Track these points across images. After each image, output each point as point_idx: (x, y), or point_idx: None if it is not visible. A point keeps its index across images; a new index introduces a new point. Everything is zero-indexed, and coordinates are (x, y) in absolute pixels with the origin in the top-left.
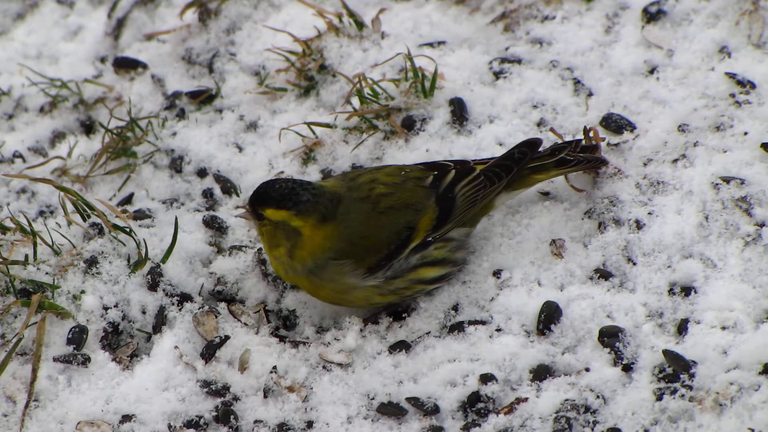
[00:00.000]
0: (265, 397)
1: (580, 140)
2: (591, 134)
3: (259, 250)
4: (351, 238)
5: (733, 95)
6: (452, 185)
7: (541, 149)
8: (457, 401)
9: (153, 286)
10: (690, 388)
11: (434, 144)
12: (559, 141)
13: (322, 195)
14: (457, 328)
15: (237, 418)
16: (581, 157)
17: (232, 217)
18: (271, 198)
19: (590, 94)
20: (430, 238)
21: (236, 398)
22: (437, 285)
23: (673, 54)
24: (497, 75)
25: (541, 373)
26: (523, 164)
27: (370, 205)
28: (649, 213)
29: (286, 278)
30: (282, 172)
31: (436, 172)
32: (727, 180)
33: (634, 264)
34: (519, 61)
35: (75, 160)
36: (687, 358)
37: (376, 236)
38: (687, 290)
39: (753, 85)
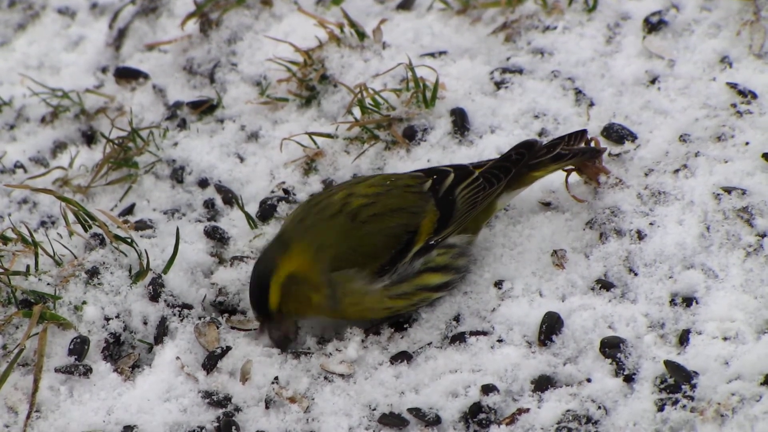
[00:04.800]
0: (267, 407)
1: (573, 133)
2: (593, 144)
3: None
4: (339, 249)
5: (734, 105)
6: (451, 188)
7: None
8: (458, 412)
9: (154, 297)
10: (691, 398)
11: (436, 154)
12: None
13: (267, 248)
14: (459, 338)
15: (239, 428)
16: (576, 149)
17: (233, 227)
18: (257, 295)
19: (591, 104)
20: (432, 242)
21: (238, 409)
22: (441, 293)
23: (675, 64)
24: (498, 85)
25: (543, 384)
26: (521, 165)
27: (344, 219)
28: (651, 223)
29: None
30: (283, 183)
31: (435, 177)
32: (728, 190)
33: (636, 274)
34: (520, 72)
35: (76, 170)
36: (688, 368)
37: (369, 243)
38: (688, 301)
39: (754, 95)
